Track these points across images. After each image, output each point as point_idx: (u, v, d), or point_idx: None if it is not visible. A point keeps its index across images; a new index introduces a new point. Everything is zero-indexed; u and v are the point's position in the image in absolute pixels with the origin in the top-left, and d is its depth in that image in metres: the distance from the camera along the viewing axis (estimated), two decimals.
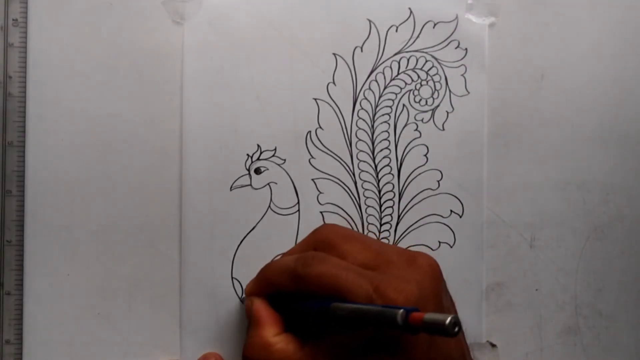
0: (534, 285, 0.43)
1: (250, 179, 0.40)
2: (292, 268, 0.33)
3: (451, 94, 0.42)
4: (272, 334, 0.34)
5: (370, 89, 0.41)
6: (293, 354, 0.33)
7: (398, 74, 0.41)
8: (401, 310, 0.27)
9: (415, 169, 0.41)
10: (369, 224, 0.41)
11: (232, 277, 0.40)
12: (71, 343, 0.39)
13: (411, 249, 0.41)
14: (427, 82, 0.41)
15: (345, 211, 0.41)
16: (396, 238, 0.41)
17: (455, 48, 0.42)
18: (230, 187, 0.40)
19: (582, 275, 0.43)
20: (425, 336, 0.30)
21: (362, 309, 0.29)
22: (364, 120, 0.41)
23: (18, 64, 0.39)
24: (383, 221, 0.41)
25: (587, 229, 0.43)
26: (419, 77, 0.41)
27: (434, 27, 0.41)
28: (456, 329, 0.26)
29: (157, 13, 0.39)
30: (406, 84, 0.41)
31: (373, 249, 0.34)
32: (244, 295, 0.39)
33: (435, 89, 0.41)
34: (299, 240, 0.40)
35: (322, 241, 0.35)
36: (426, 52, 0.41)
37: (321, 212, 0.40)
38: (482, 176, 0.42)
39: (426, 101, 0.41)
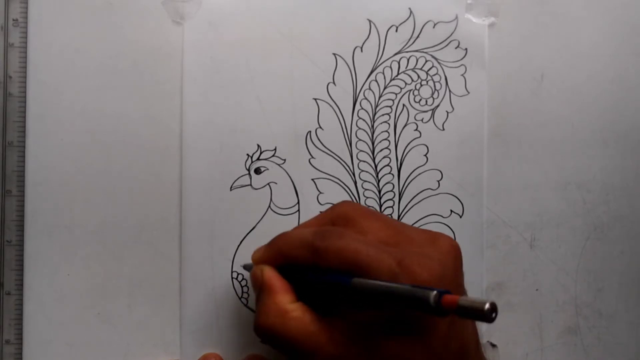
0: (534, 285, 0.43)
1: (250, 179, 0.40)
2: (310, 241, 0.32)
3: (451, 94, 0.42)
4: (288, 301, 0.32)
5: (370, 89, 0.41)
6: (310, 324, 0.31)
7: (398, 74, 0.41)
8: (434, 292, 0.26)
9: (415, 169, 0.41)
10: None
11: (232, 277, 0.40)
12: (71, 343, 0.39)
13: None
14: (427, 82, 0.41)
15: None
16: None
17: (455, 48, 0.42)
18: (230, 187, 0.40)
19: (582, 275, 0.43)
20: (446, 321, 0.29)
21: (389, 287, 0.28)
22: (364, 120, 0.41)
23: (18, 64, 0.39)
24: None
25: (587, 229, 0.43)
26: (419, 77, 0.41)
27: (434, 27, 0.41)
28: (494, 315, 0.25)
29: (157, 13, 0.40)
30: (406, 84, 0.41)
31: (393, 227, 0.33)
32: (249, 263, 0.36)
33: (435, 89, 0.42)
34: None
35: (341, 217, 0.34)
36: (426, 52, 0.41)
37: (321, 212, 0.40)
38: (482, 176, 0.42)
39: (426, 101, 0.41)
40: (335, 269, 0.31)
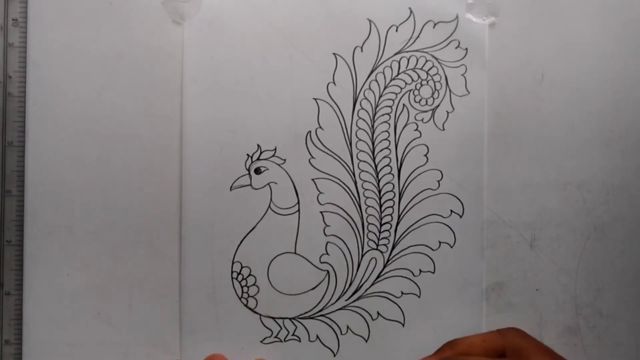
0: (534, 285, 0.43)
1: (250, 179, 0.40)
2: None
3: (451, 94, 0.42)
4: None
5: (370, 88, 0.41)
6: None
7: (398, 73, 0.41)
8: None
9: (415, 169, 0.41)
10: (369, 224, 0.41)
11: (232, 277, 0.40)
12: (71, 343, 0.39)
13: (411, 248, 0.41)
14: (427, 82, 0.41)
15: (345, 211, 0.41)
16: (396, 238, 0.41)
17: (456, 48, 0.42)
18: (230, 187, 0.40)
19: (582, 275, 0.43)
20: None
21: None
22: (364, 120, 0.41)
23: (18, 64, 0.39)
24: (383, 221, 0.41)
25: (587, 229, 0.43)
26: (419, 77, 0.41)
27: (434, 27, 0.41)
28: None
29: (157, 13, 0.39)
30: (406, 83, 0.41)
31: None
32: None
33: (435, 89, 0.41)
34: (298, 239, 0.40)
35: (513, 348, 0.34)
36: (426, 52, 0.41)
37: (321, 212, 0.40)
38: (482, 176, 0.42)
39: (426, 101, 0.41)
40: None
